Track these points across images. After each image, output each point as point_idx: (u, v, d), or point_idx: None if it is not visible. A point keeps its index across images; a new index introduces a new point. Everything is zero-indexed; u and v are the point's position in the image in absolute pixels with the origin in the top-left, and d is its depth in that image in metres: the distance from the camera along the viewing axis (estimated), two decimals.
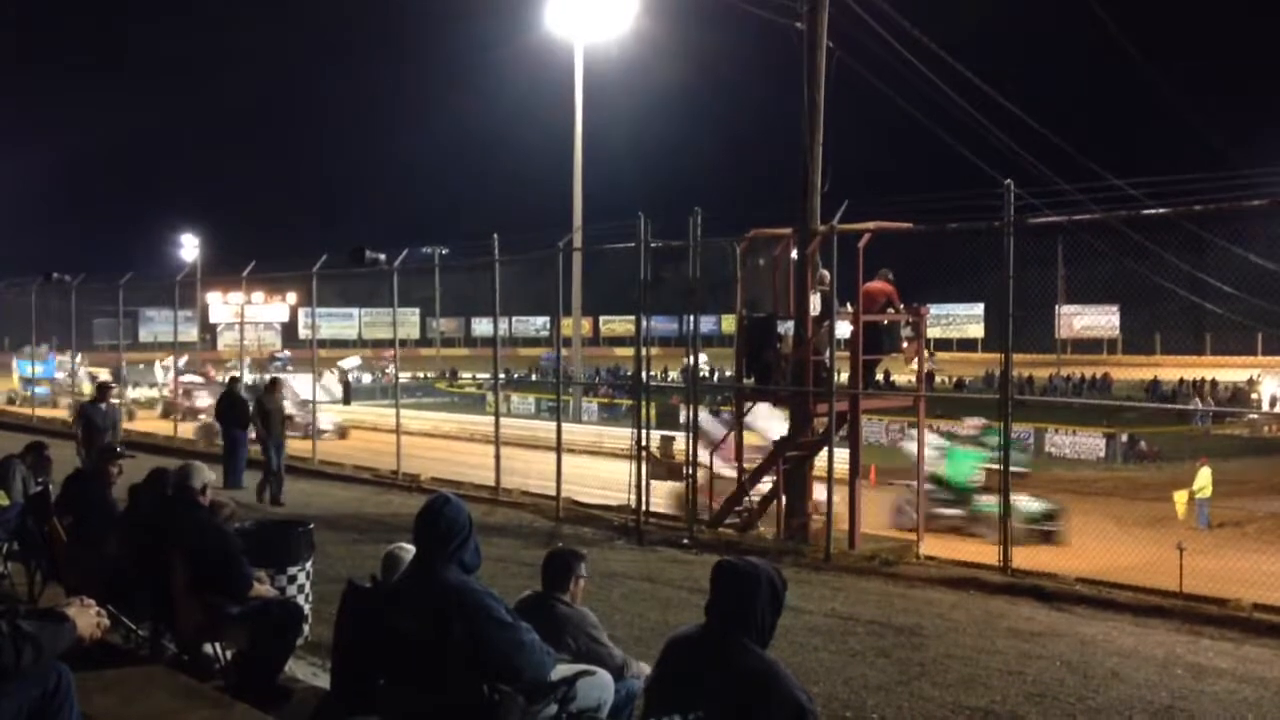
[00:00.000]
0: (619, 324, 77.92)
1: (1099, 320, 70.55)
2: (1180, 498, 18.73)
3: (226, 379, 21.01)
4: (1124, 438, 29.43)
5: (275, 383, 16.87)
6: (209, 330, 56.42)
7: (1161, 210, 10.61)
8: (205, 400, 27.58)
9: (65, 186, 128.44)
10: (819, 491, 12.48)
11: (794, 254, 13.36)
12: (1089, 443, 29.59)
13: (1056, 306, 46.92)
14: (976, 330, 73.26)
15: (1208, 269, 15.37)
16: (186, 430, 23.88)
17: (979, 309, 70.33)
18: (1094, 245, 12.87)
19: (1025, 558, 10.97)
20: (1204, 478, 19.04)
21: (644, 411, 14.34)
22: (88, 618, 3.45)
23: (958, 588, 10.28)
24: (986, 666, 7.58)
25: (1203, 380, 44.52)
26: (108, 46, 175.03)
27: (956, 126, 14.19)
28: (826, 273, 12.84)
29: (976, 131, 14.16)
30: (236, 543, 6.09)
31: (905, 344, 13.96)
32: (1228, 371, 46.55)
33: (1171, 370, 48.53)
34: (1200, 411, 33.35)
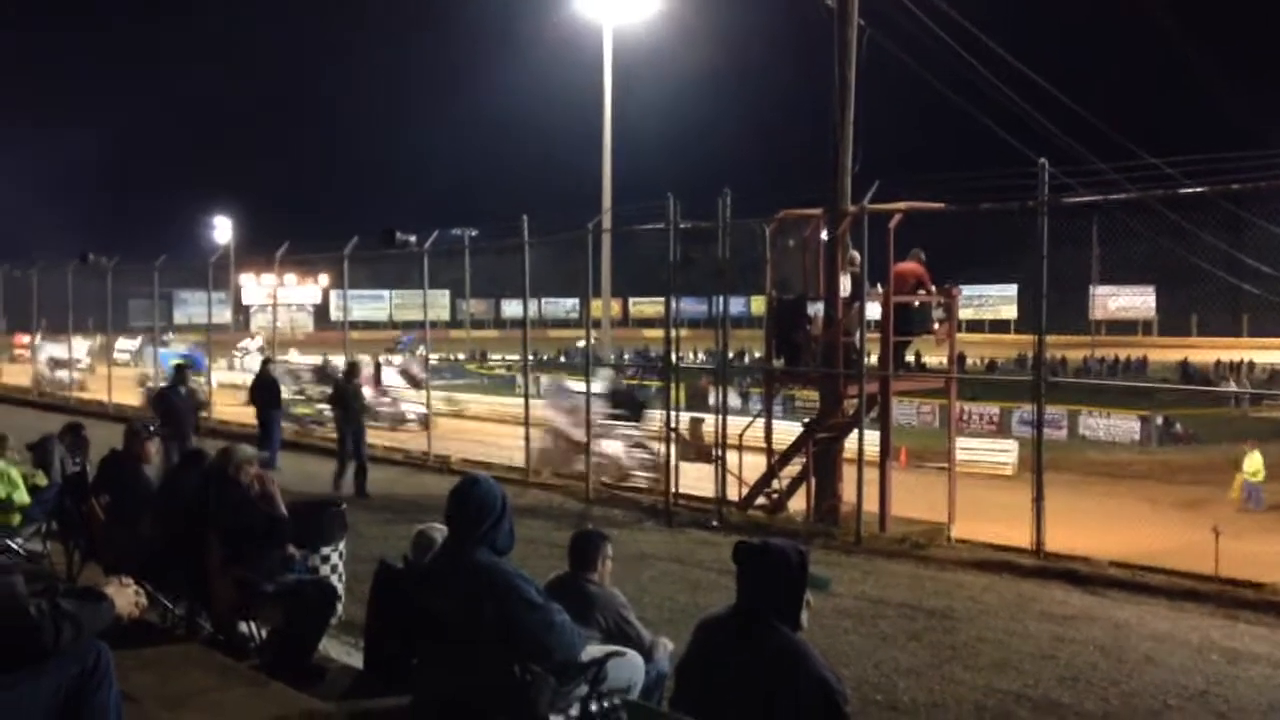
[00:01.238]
0: (648, 305, 77.84)
1: (1134, 301, 69.90)
2: (1239, 481, 18.76)
3: (260, 360, 21.08)
4: (1159, 420, 29.13)
5: (354, 367, 15.96)
6: (242, 312, 56.79)
7: (1198, 189, 10.45)
8: (414, 408, 23.09)
9: (97, 170, 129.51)
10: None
11: (824, 235, 13.29)
12: (1124, 425, 29.30)
13: (1091, 287, 46.40)
14: (1010, 311, 72.81)
15: (1245, 249, 15.12)
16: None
17: (1012, 290, 69.94)
18: (1129, 225, 12.70)
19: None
20: (1255, 461, 18.98)
21: (673, 393, 14.33)
22: (126, 596, 3.49)
23: (989, 571, 10.23)
24: (1018, 650, 7.55)
25: (1241, 362, 44.02)
26: (137, 31, 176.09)
27: (989, 104, 14.03)
28: (857, 253, 12.76)
29: (1010, 110, 13.99)
30: (272, 521, 6.15)
31: (937, 325, 13.87)
32: (1266, 353, 45.93)
33: (1208, 352, 47.97)
34: (1234, 393, 32.97)
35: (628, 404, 17.90)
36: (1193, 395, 32.58)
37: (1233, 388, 34.74)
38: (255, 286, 56.14)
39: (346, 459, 14.38)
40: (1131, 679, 7.00)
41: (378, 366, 25.57)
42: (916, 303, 13.27)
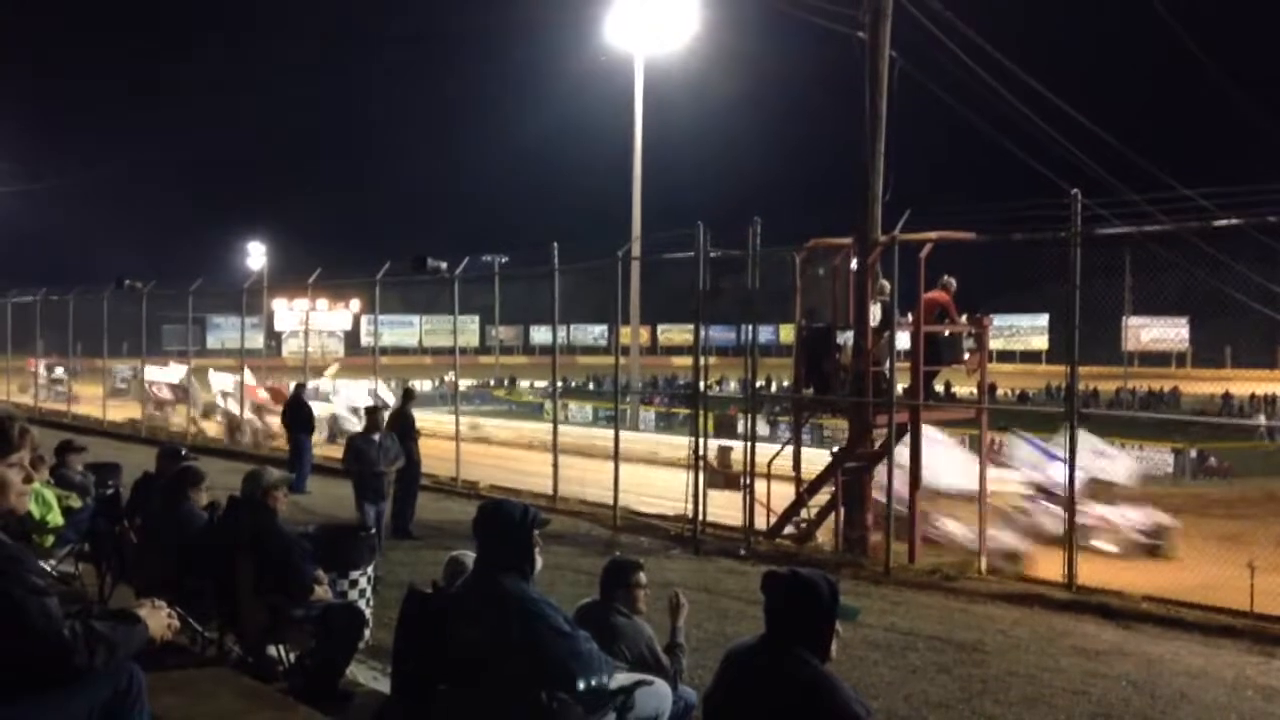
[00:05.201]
0: (677, 333, 78.03)
1: (1168, 333, 69.14)
2: None
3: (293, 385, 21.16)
4: (1193, 453, 28.80)
5: (409, 393, 14.49)
6: (274, 337, 57.36)
7: (1233, 221, 10.38)
8: None
9: (133, 197, 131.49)
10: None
11: (854, 264, 13.29)
12: (1157, 458, 28.98)
13: (1123, 318, 46.02)
14: (1041, 342, 72.38)
15: None
16: None
17: (1043, 320, 69.48)
18: (1163, 256, 12.63)
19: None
20: None
21: (701, 421, 14.31)
22: (159, 619, 3.52)
23: (1021, 604, 10.13)
24: (1050, 685, 7.45)
25: (1276, 395, 43.52)
26: (175, 60, 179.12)
27: (1022, 135, 14.02)
28: (886, 282, 12.74)
29: (1042, 140, 13.97)
30: (301, 546, 6.19)
31: (967, 355, 13.81)
32: None
33: (1243, 384, 47.42)
34: (1265, 427, 32.63)
35: None
36: (1227, 428, 32.25)
37: (1263, 421, 34.32)
38: (287, 312, 56.74)
39: (408, 495, 13.02)
40: (1165, 716, 6.89)
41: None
42: (946, 332, 13.22)
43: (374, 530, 10.21)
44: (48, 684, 3.22)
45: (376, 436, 11.99)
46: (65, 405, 31.71)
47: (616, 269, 15.56)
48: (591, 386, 47.96)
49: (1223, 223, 10.53)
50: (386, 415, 13.36)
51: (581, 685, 4.03)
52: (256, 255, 67.78)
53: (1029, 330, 73.71)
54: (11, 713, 3.17)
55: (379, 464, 11.69)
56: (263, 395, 26.32)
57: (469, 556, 4.84)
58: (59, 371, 35.94)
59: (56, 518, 8.64)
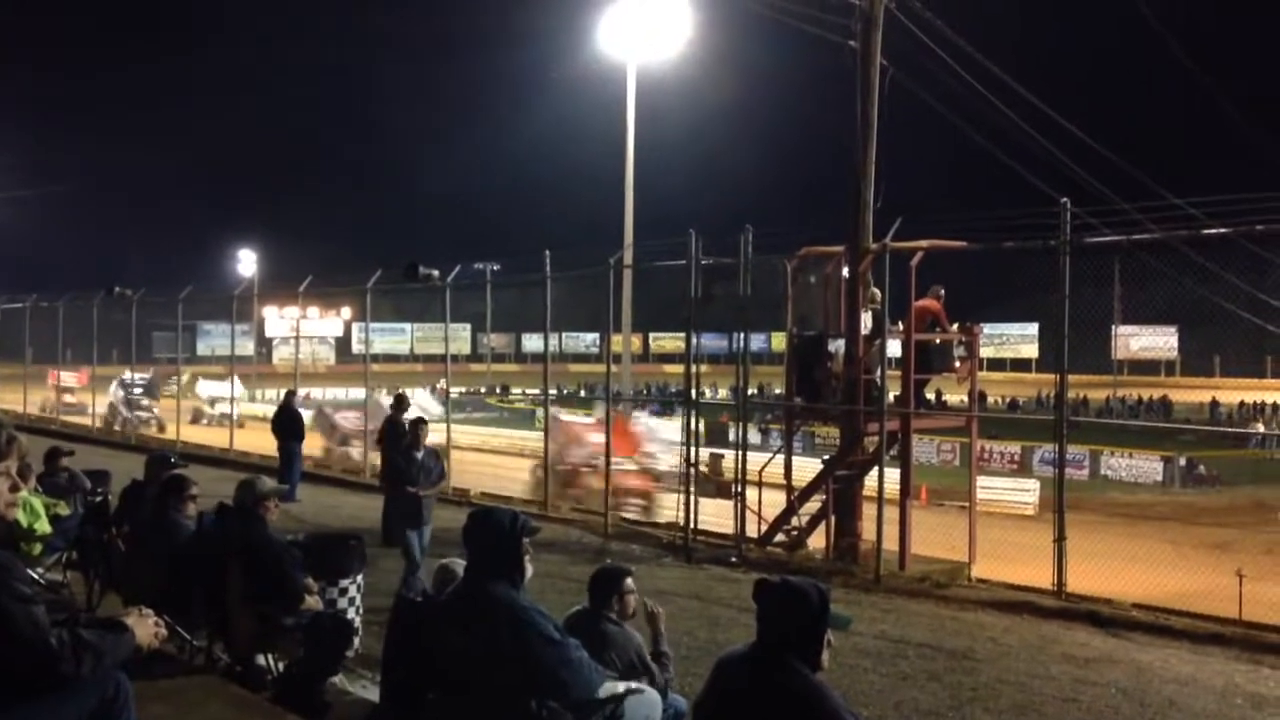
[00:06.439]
0: (668, 340, 77.96)
1: (1157, 341, 69.56)
2: None
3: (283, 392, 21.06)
4: (1182, 461, 28.91)
5: (401, 401, 12.95)
6: (265, 344, 57.20)
7: (1222, 230, 10.42)
8: None
9: (124, 203, 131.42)
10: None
11: (845, 272, 13.31)
12: (1146, 466, 29.10)
13: (1113, 327, 46.21)
14: (1030, 350, 72.67)
15: (1269, 290, 15.04)
16: None
17: (1033, 328, 69.82)
18: (1152, 265, 12.67)
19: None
20: None
21: (693, 428, 14.31)
22: (146, 627, 3.51)
23: (1011, 611, 10.14)
24: (1040, 692, 7.46)
25: (1262, 403, 43.70)
26: (164, 66, 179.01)
27: (1012, 144, 14.06)
28: (878, 291, 12.76)
29: (1033, 149, 14.03)
30: (291, 554, 6.17)
31: (958, 363, 13.83)
32: None
33: (1232, 393, 47.65)
34: (1259, 436, 32.75)
35: None
36: (1216, 436, 32.38)
37: (1260, 429, 34.46)
38: (278, 319, 56.56)
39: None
40: None
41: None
42: (937, 340, 13.25)
43: (419, 559, 9.81)
44: (35, 692, 3.22)
45: (419, 454, 10.46)
46: (155, 430, 28.28)
47: (609, 276, 15.58)
48: (583, 394, 47.88)
49: (1211, 231, 10.57)
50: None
51: (571, 694, 4.02)
52: (247, 262, 67.74)
53: (1019, 338, 74.04)
54: None
55: (416, 482, 10.22)
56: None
57: (459, 564, 4.83)
58: (137, 390, 31.26)
59: (44, 526, 8.59)
